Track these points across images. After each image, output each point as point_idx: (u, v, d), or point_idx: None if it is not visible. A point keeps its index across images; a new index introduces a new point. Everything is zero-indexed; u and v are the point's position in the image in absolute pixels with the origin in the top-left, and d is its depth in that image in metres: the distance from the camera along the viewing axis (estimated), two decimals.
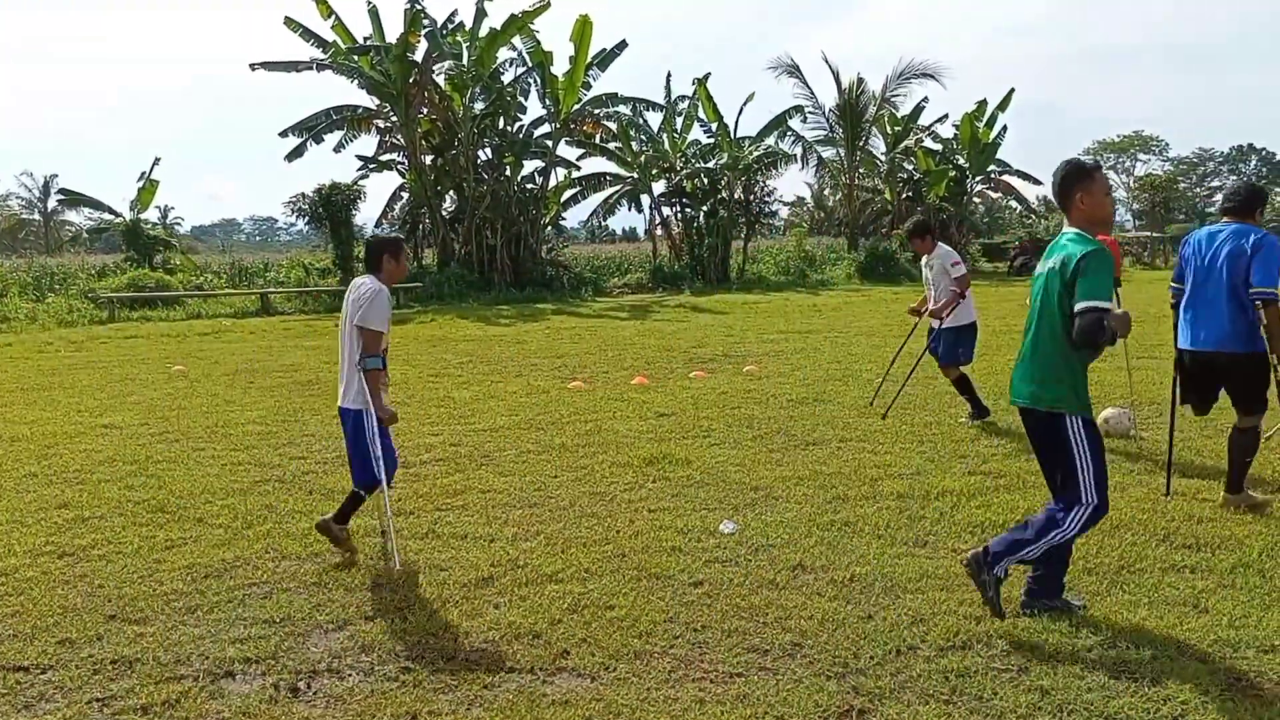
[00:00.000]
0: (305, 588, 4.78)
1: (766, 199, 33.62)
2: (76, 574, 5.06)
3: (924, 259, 8.51)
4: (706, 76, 31.90)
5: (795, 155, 34.42)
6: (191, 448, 8.14)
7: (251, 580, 4.90)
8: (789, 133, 33.95)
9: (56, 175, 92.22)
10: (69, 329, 20.32)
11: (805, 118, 34.88)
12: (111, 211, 29.42)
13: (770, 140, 33.06)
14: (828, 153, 36.77)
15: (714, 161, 32.14)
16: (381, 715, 3.50)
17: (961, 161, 37.40)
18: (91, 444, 8.36)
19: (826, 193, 61.63)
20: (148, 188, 28.83)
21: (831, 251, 37.56)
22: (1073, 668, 3.73)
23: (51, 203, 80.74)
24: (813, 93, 35.42)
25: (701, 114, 32.42)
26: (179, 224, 70.71)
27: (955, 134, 37.56)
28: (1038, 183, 40.56)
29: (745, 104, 32.60)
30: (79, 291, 24.77)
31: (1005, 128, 37.03)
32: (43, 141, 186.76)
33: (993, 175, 39.04)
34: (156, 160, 28.94)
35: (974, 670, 3.73)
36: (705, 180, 31.82)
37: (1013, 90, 36.81)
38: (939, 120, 37.79)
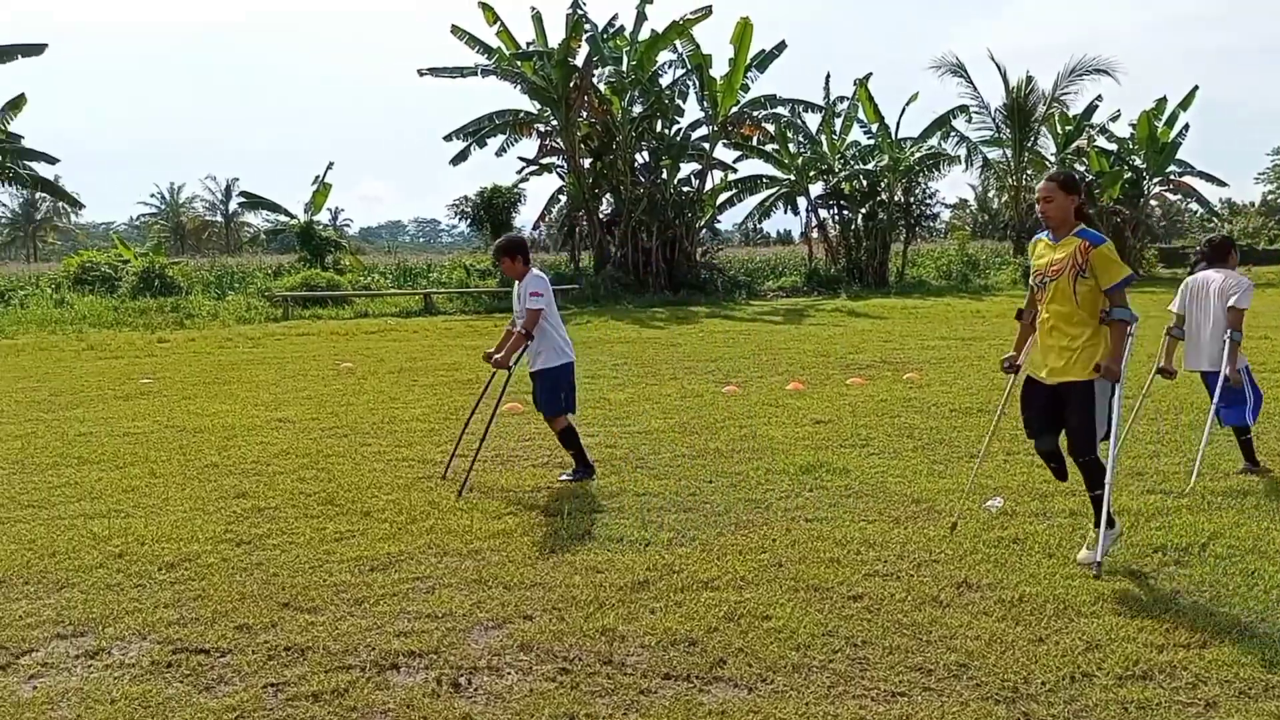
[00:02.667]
0: (465, 584, 4.85)
1: (928, 201, 32.71)
2: (253, 562, 5.29)
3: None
4: (867, 77, 31.26)
5: (959, 156, 33.37)
6: (359, 442, 8.43)
7: (415, 575, 5.01)
8: (952, 133, 32.93)
9: (237, 179, 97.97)
10: (247, 325, 21.48)
11: (970, 117, 33.73)
12: (287, 214, 31.00)
13: (933, 141, 32.13)
14: (993, 153, 35.48)
15: (874, 163, 31.48)
16: (540, 715, 3.50)
17: (1138, 162, 35.44)
18: (267, 437, 8.77)
19: (991, 195, 59.55)
20: (321, 191, 30.23)
21: (996, 256, 36.23)
22: (1268, 704, 3.41)
23: (232, 205, 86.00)
24: (978, 91, 34.23)
25: (861, 115, 31.77)
26: (347, 225, 74.02)
27: (1131, 133, 35.59)
28: (1222, 184, 38.04)
29: (908, 104, 31.75)
30: (256, 290, 26.20)
31: (1187, 126, 34.87)
32: (225, 146, 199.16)
33: (1172, 177, 36.80)
34: (330, 165, 30.34)
35: (1155, 703, 3.47)
36: (864, 182, 31.21)
37: (1196, 88, 34.46)
38: (1113, 118, 35.90)
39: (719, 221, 33.68)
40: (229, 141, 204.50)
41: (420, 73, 27.63)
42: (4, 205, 79.06)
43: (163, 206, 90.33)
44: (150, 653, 4.15)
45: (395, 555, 5.32)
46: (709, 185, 30.29)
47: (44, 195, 41.76)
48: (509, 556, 5.26)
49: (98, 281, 25.83)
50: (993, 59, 45.10)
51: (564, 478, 7.00)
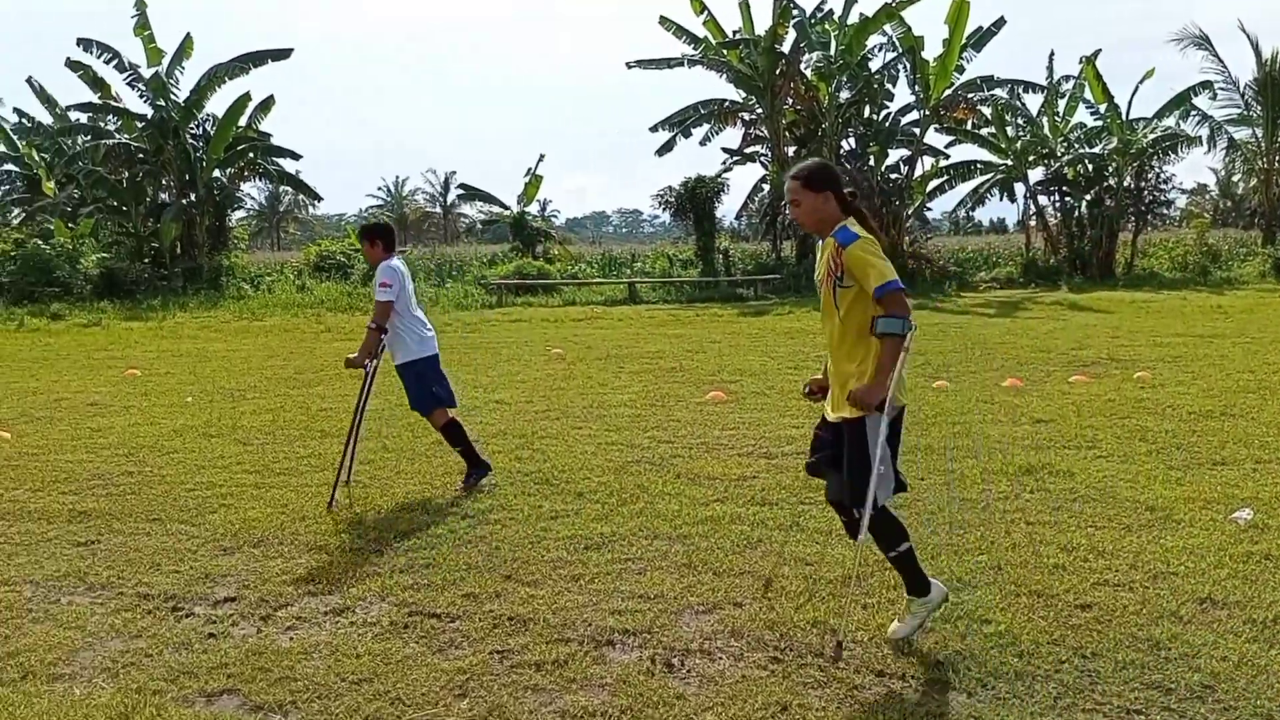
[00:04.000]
0: (676, 568, 4.95)
1: (1161, 186, 30.44)
2: (477, 535, 5.59)
3: None
4: (1095, 54, 29.36)
5: (1199, 137, 30.84)
6: (570, 426, 8.72)
7: (626, 556, 5.16)
8: (1193, 112, 30.46)
9: (455, 172, 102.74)
10: (464, 312, 22.54)
11: (1214, 94, 31.08)
12: (501, 205, 32.29)
13: (1169, 121, 29.81)
14: (1240, 133, 32.51)
15: (1101, 146, 29.60)
16: (752, 701, 3.55)
17: None
18: (486, 418, 9.21)
19: (1236, 179, 54.85)
20: (532, 183, 31.32)
21: (1241, 246, 33.33)
22: None
23: (450, 197, 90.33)
24: (1224, 66, 31.51)
25: (1088, 94, 29.89)
26: (555, 217, 76.22)
27: None
28: None
29: (1142, 81, 29.55)
30: (472, 278, 27.44)
31: None
32: (445, 139, 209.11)
33: None
34: (541, 157, 31.47)
35: None
36: (1089, 167, 29.42)
37: None
38: None
39: (928, 209, 32.59)
40: (449, 136, 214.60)
41: (628, 65, 28.16)
42: (253, 198, 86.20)
43: (388, 199, 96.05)
44: (389, 614, 4.47)
45: (607, 536, 5.49)
46: (918, 172, 29.39)
47: (287, 189, 45.12)
48: (717, 543, 5.33)
49: (333, 269, 27.77)
50: (1243, 29, 41.43)
51: (460, 487, 6.63)
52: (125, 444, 8.28)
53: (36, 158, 29.30)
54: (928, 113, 27.98)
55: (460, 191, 40.64)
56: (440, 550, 5.33)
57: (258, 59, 27.15)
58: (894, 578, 4.72)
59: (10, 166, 32.49)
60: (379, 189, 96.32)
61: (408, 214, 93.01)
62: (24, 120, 32.47)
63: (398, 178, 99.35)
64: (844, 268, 3.90)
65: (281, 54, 27.43)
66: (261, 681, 3.82)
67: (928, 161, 29.84)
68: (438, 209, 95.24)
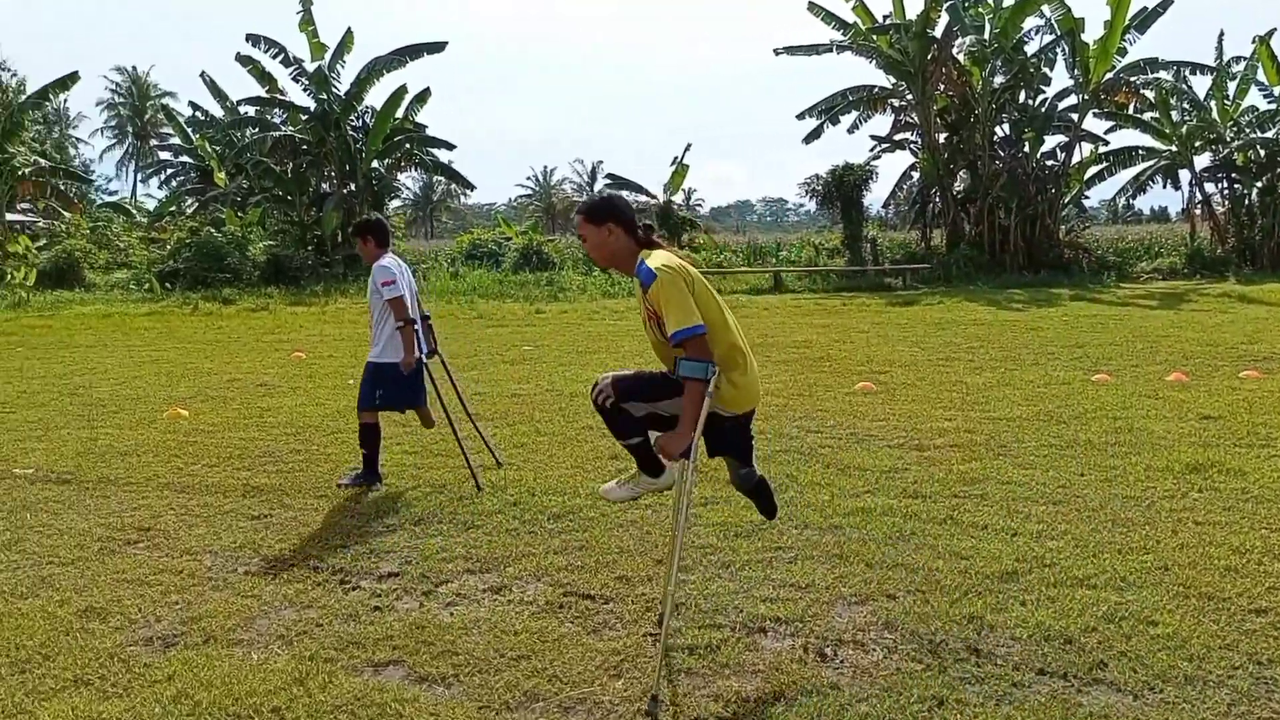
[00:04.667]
0: (827, 558, 4.92)
1: None
2: (628, 519, 5.68)
3: None
4: (1270, 34, 27.53)
5: None
6: None
7: (777, 544, 5.16)
8: None
9: (602, 162, 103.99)
10: (611, 300, 22.82)
11: None
12: (647, 194, 32.53)
13: None
14: None
15: (1274, 131, 27.76)
16: (907, 694, 3.51)
17: None
18: None
19: None
20: (679, 172, 31.43)
21: None
22: None
23: (597, 186, 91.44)
24: None
25: (1261, 76, 28.06)
26: (699, 205, 76.25)
27: None
28: None
29: None
30: None
31: None
32: (593, 128, 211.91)
33: None
34: (688, 146, 31.56)
35: None
36: (1261, 152, 27.62)
37: None
38: None
39: (1086, 197, 31.20)
40: (597, 126, 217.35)
41: (776, 52, 27.93)
42: (408, 188, 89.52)
43: (536, 188, 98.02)
44: (544, 593, 4.60)
45: (757, 524, 5.49)
46: (1076, 158, 28.15)
47: (440, 179, 46.59)
48: (869, 534, 5.27)
49: (484, 257, 28.57)
50: None
51: (342, 482, 6.60)
52: (293, 423, 8.74)
53: (209, 150, 31.09)
54: (1087, 97, 26.75)
55: (607, 181, 41.13)
56: (592, 533, 5.44)
57: (414, 52, 28.08)
58: (1052, 575, 4.60)
59: (185, 158, 34.61)
60: (527, 178, 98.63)
61: (555, 203, 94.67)
62: (198, 114, 34.57)
63: (545, 167, 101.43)
64: (657, 306, 3.74)
65: (437, 47, 28.30)
66: (425, 654, 3.99)
67: (1086, 148, 28.60)
68: (584, 198, 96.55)
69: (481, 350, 13.59)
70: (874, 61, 27.10)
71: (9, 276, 25.34)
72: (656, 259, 3.75)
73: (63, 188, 32.63)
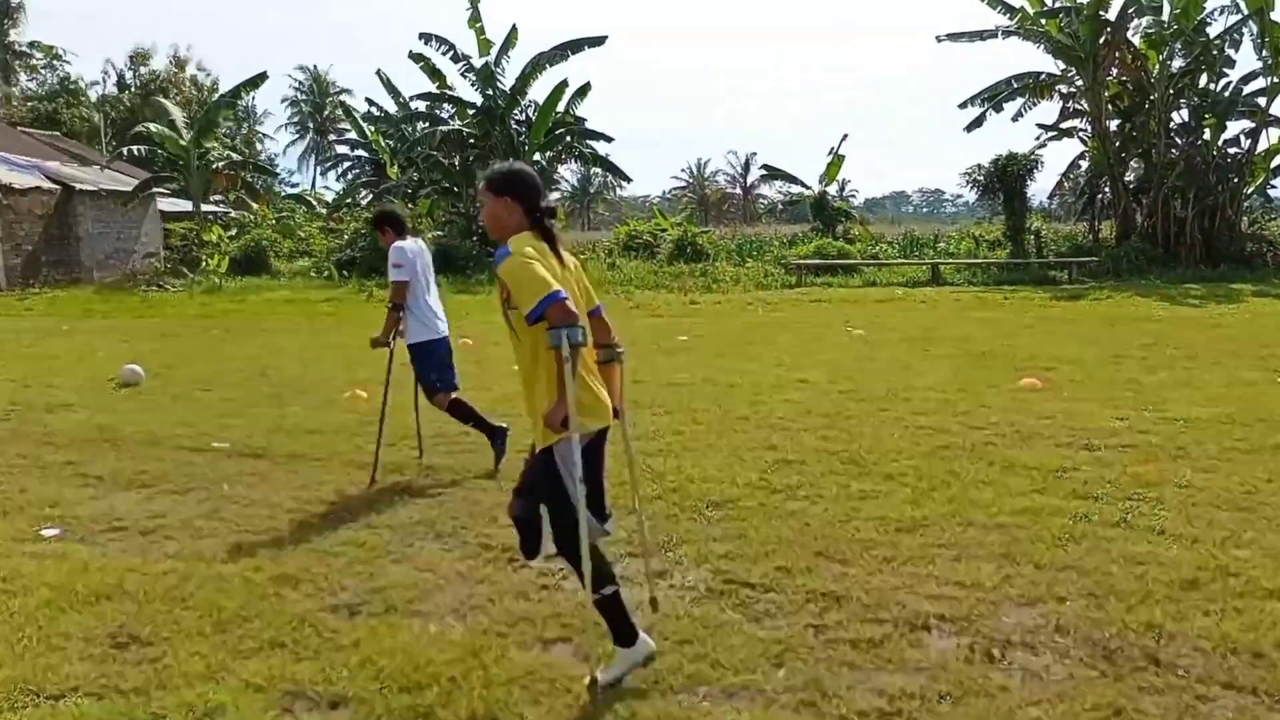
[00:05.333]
0: (993, 557, 4.82)
1: None
2: (786, 510, 5.70)
3: None
4: None
5: None
6: (875, 408, 8.63)
7: (939, 541, 5.08)
8: None
9: (755, 153, 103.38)
10: (764, 291, 22.71)
11: None
12: (802, 184, 32.20)
13: None
14: None
15: None
16: (1081, 701, 3.42)
17: None
18: (790, 395, 9.29)
19: None
20: (834, 162, 30.95)
21: None
22: None
23: (750, 177, 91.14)
24: None
25: None
26: (853, 196, 74.90)
27: None
28: None
29: None
30: (773, 257, 27.59)
31: None
32: (747, 120, 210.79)
33: None
34: (844, 136, 31.09)
35: None
36: None
37: None
38: None
39: (1272, 187, 29.04)
40: (751, 117, 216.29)
41: (939, 39, 27.09)
42: (567, 180, 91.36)
43: (690, 180, 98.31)
44: (705, 580, 4.67)
45: (919, 520, 5.42)
46: (1263, 146, 26.26)
47: (597, 171, 47.32)
48: (1038, 535, 5.12)
49: (640, 248, 28.88)
50: None
51: (498, 469, 6.65)
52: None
53: (383, 144, 32.52)
54: (1276, 80, 24.91)
55: (762, 172, 40.90)
56: (751, 522, 5.48)
57: (575, 46, 28.59)
58: (1238, 585, 4.38)
59: (360, 152, 36.31)
60: (682, 170, 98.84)
61: (708, 195, 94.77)
62: (373, 109, 36.21)
63: (700, 159, 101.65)
64: (505, 287, 3.64)
65: (597, 41, 28.73)
66: (591, 634, 4.11)
67: (1274, 134, 26.61)
68: (737, 190, 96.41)
69: (639, 340, 13.77)
70: (1042, 46, 25.95)
71: (204, 263, 27.15)
72: (522, 243, 3.64)
73: (251, 180, 34.76)
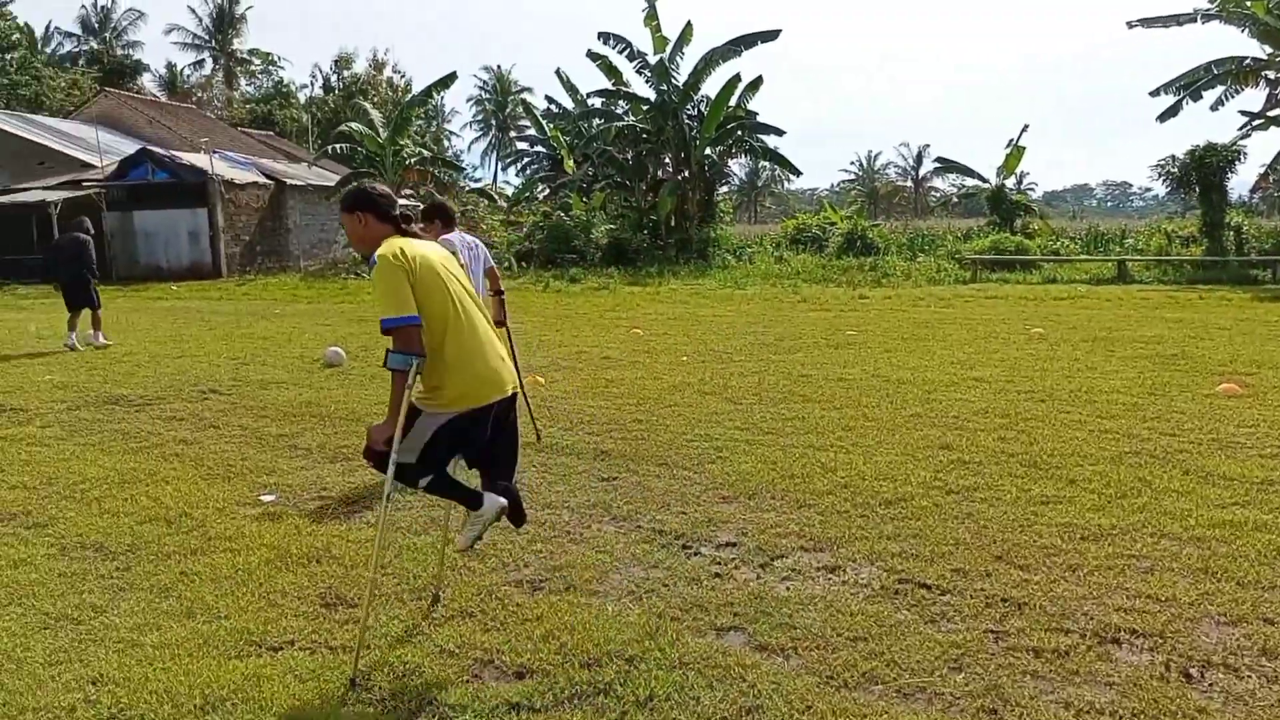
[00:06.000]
0: (1190, 572, 4.59)
1: None
2: (963, 511, 5.58)
3: None
4: None
5: None
6: (1056, 409, 8.32)
7: (1130, 552, 4.88)
8: None
9: (928, 145, 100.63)
10: (936, 286, 22.13)
11: None
12: (979, 178, 31.13)
13: None
14: None
15: None
16: None
17: None
18: (964, 394, 9.06)
19: None
20: (1014, 154, 29.79)
21: None
22: None
23: (923, 170, 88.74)
24: None
25: None
26: (1032, 189, 71.95)
27: None
28: None
29: None
30: (945, 252, 26.83)
31: None
32: (919, 111, 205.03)
33: None
34: (1025, 127, 29.80)
35: None
36: None
37: None
38: None
39: None
40: (923, 109, 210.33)
41: (1129, 24, 25.66)
42: (735, 173, 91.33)
43: (859, 173, 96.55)
44: (879, 578, 4.65)
45: (1106, 528, 5.22)
46: None
47: (765, 164, 47.12)
48: (1239, 550, 4.85)
49: (808, 241, 28.65)
50: None
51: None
52: (634, 394, 9.28)
53: (561, 140, 33.36)
54: None
55: (936, 165, 39.76)
56: (926, 522, 5.40)
57: (748, 41, 28.55)
58: None
59: (539, 148, 37.34)
60: (851, 163, 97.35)
61: (878, 188, 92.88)
62: (552, 106, 37.31)
63: (870, 152, 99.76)
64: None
65: (770, 35, 28.60)
66: (764, 624, 4.17)
67: None
68: (909, 183, 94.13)
69: (805, 334, 13.69)
70: (1246, 29, 24.19)
71: None
72: (390, 246, 3.77)
73: (439, 175, 36.30)
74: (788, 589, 4.56)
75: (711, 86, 29.50)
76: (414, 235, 3.96)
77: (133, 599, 4.45)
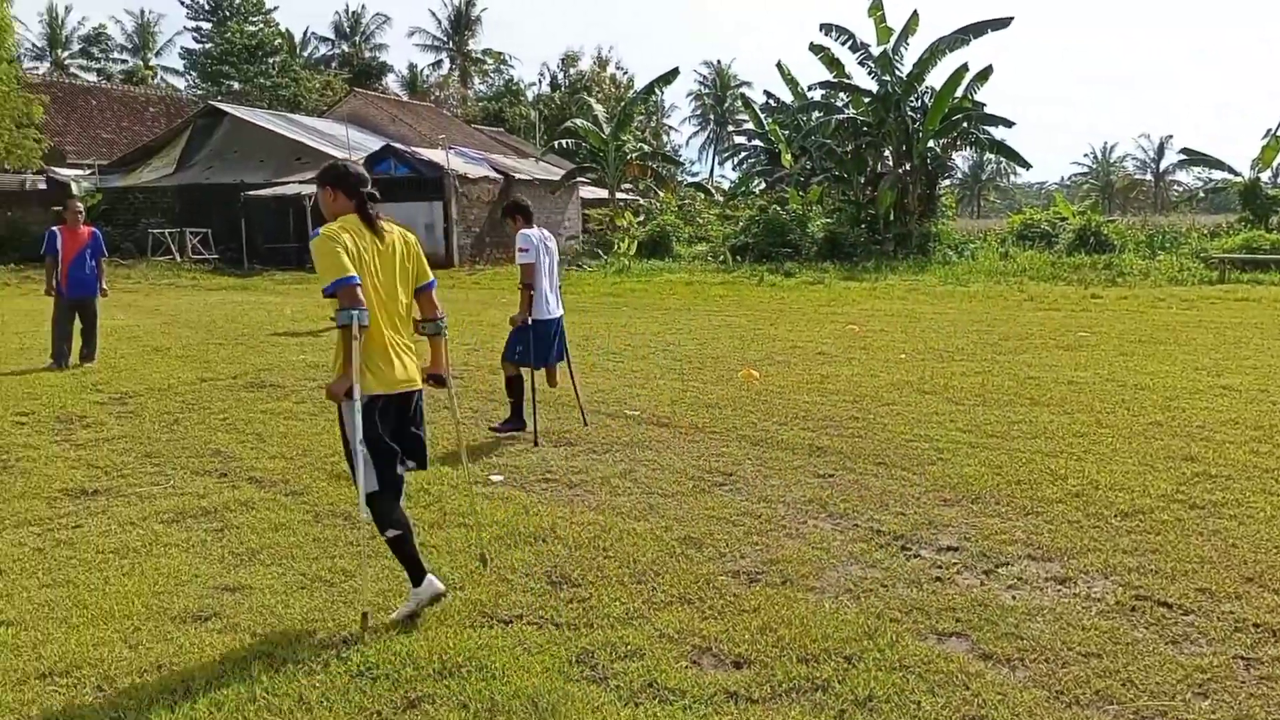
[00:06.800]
0: None
1: None
2: (1208, 528, 5.22)
3: None
4: None
5: None
6: None
7: None
8: None
9: (1171, 136, 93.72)
10: (1178, 287, 20.57)
11: None
12: (1229, 170, 28.71)
13: None
14: None
15: None
16: None
17: None
18: (1211, 402, 8.43)
19: None
20: (1271, 145, 27.28)
21: None
22: None
23: (1164, 163, 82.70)
24: None
25: None
26: None
27: None
28: None
29: None
30: (1189, 251, 24.90)
31: None
32: (1161, 102, 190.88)
33: None
34: None
35: None
36: None
37: None
38: None
39: None
40: (1164, 98, 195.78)
41: None
42: (957, 167, 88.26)
43: (1093, 166, 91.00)
44: (1113, 593, 4.42)
45: None
46: None
47: (990, 157, 45.30)
48: None
49: (1036, 237, 27.30)
50: None
51: (494, 427, 7.75)
52: (850, 391, 9.17)
53: (779, 134, 33.28)
54: None
55: (1180, 157, 36.97)
56: (1166, 537, 5.09)
57: (978, 30, 27.45)
58: None
59: (757, 142, 37.44)
60: (1084, 155, 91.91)
61: (1114, 181, 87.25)
62: (770, 100, 37.23)
63: (1105, 144, 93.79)
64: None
65: (1001, 23, 27.38)
66: (989, 632, 4.05)
67: None
68: (1148, 176, 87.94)
69: (1032, 334, 13.08)
70: None
71: (616, 246, 29.35)
72: (333, 226, 4.14)
73: (659, 170, 37.02)
74: (1013, 598, 4.41)
75: (936, 77, 28.60)
76: (375, 214, 4.27)
77: (377, 566, 4.82)
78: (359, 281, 4.04)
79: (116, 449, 7.37)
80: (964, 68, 27.72)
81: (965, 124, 28.93)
